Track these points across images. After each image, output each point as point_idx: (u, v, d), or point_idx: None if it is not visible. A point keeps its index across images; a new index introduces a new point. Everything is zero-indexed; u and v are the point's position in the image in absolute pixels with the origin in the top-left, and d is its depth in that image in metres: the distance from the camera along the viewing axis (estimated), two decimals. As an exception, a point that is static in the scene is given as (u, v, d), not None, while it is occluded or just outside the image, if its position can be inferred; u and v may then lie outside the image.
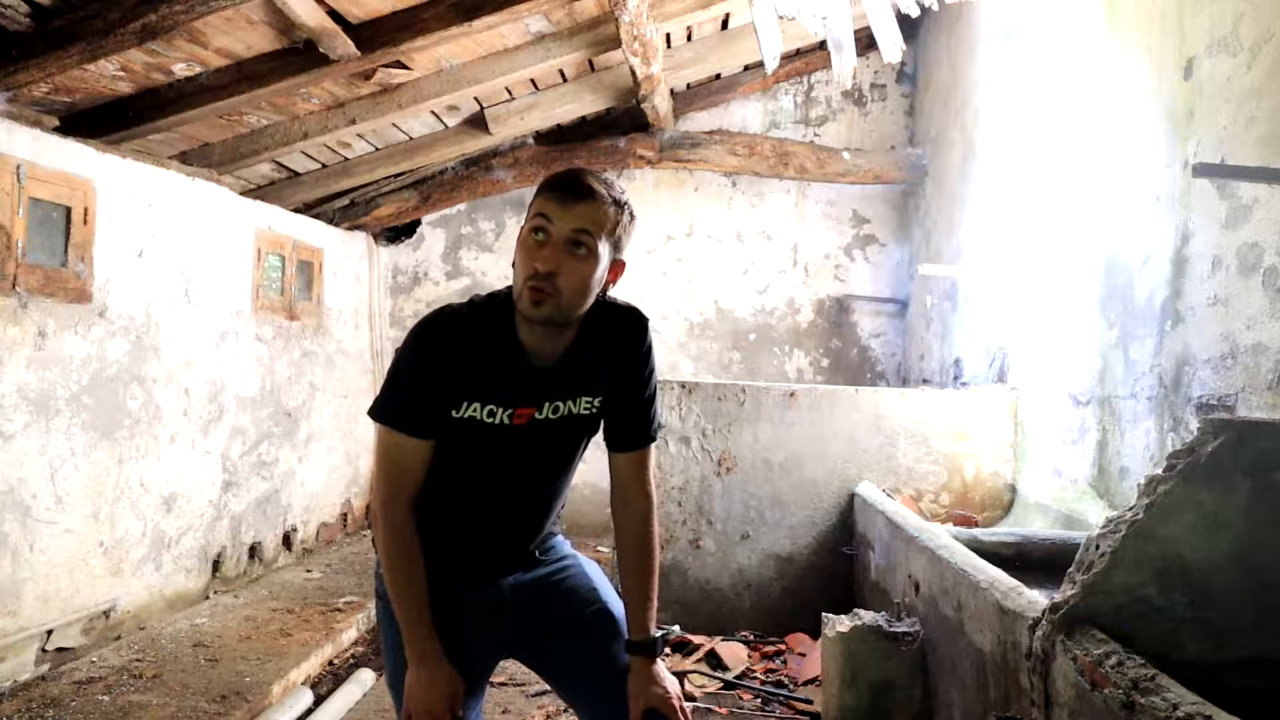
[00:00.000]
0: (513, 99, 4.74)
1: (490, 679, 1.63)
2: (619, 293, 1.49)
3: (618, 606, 1.55)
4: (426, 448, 1.40)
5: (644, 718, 1.43)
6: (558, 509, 1.60)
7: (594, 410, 1.48)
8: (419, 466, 1.41)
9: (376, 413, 1.41)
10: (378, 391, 1.44)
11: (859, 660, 2.45)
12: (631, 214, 1.39)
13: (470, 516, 1.48)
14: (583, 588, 1.56)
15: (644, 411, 1.52)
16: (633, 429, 1.52)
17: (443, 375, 1.36)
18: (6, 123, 3.00)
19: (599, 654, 1.49)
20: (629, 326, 1.48)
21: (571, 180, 1.33)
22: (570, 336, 1.41)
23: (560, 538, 1.64)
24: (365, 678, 3.20)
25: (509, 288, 1.43)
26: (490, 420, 1.39)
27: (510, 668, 3.19)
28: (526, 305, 1.32)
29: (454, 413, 1.38)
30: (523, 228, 1.36)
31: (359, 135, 4.55)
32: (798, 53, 5.40)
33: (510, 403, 1.40)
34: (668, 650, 3.38)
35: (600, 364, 1.46)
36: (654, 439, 1.55)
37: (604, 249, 1.34)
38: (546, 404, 1.42)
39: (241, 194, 4.47)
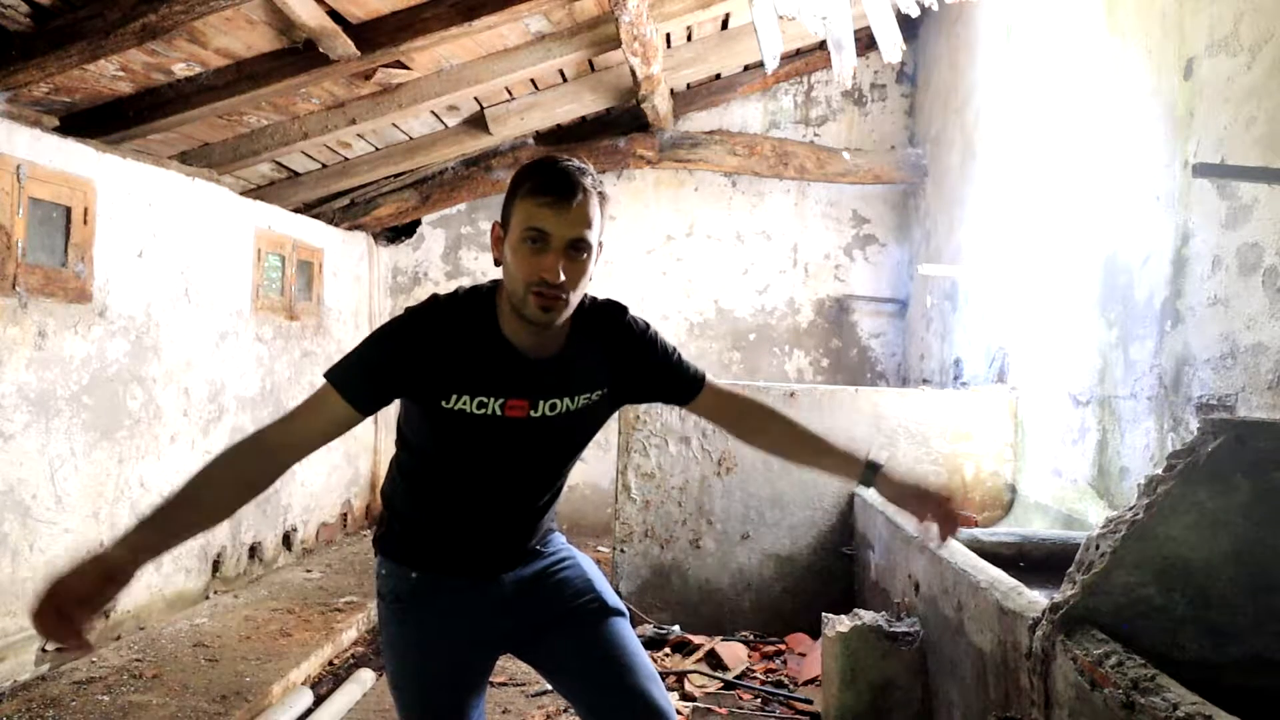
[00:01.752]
0: (513, 99, 4.74)
1: (490, 678, 1.63)
2: (616, 291, 1.50)
3: (612, 599, 1.56)
4: (342, 418, 1.35)
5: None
6: (557, 502, 1.60)
7: (592, 401, 1.48)
8: (319, 437, 1.36)
9: (330, 373, 1.37)
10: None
11: (859, 660, 2.45)
12: (606, 196, 1.38)
13: (474, 515, 1.49)
14: (578, 580, 1.56)
15: (681, 368, 1.56)
16: (685, 382, 1.57)
17: (412, 360, 1.34)
18: (6, 123, 3.00)
19: (594, 645, 1.49)
20: (615, 319, 1.51)
21: (559, 183, 1.30)
22: (562, 331, 1.41)
23: (556, 533, 1.65)
24: (365, 678, 3.19)
25: (491, 283, 1.44)
26: (481, 412, 1.38)
27: (510, 667, 3.19)
28: (535, 313, 1.32)
29: (444, 404, 1.37)
30: (510, 229, 1.34)
31: (359, 135, 4.55)
32: (798, 53, 5.40)
33: (500, 393, 1.38)
34: (668, 650, 3.39)
35: (598, 359, 1.47)
36: (705, 376, 1.59)
37: (595, 241, 1.35)
38: (543, 401, 1.42)
39: (241, 194, 4.47)
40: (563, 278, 1.30)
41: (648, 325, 1.55)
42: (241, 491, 1.34)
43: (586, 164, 1.36)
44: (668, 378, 1.56)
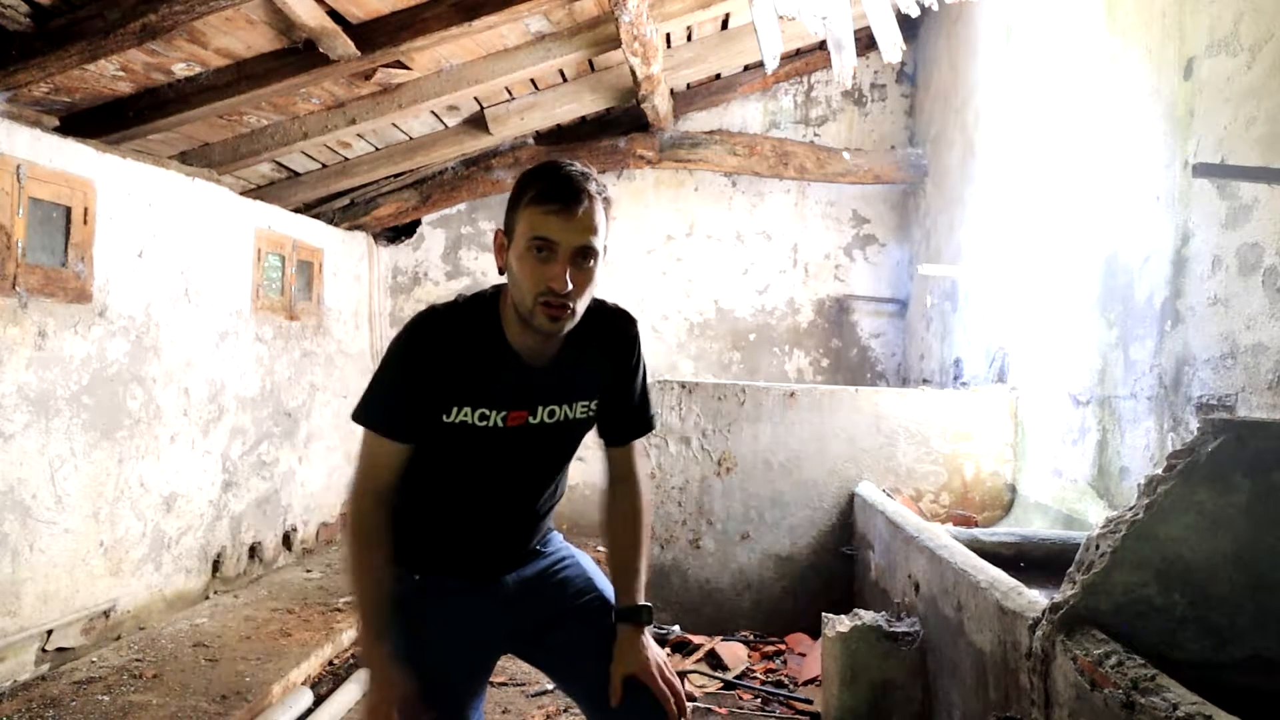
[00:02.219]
0: (513, 99, 4.74)
1: (490, 678, 1.63)
2: (616, 291, 1.50)
3: (613, 596, 1.56)
4: (406, 450, 1.41)
5: (624, 685, 1.43)
6: (557, 504, 1.60)
7: (590, 413, 1.50)
8: (397, 467, 1.42)
9: (359, 415, 1.41)
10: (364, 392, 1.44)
11: (859, 660, 2.45)
12: (610, 200, 1.38)
13: (477, 519, 1.49)
14: (579, 579, 1.57)
15: (640, 407, 1.55)
16: (629, 424, 1.56)
17: (430, 380, 1.35)
18: (6, 123, 3.00)
19: (596, 642, 1.50)
20: (619, 328, 1.50)
21: (565, 190, 1.29)
22: (561, 338, 1.40)
23: (555, 533, 1.65)
24: (365, 678, 3.19)
25: (494, 288, 1.44)
26: (483, 424, 1.39)
27: (510, 667, 3.19)
28: (544, 322, 1.31)
29: (445, 417, 1.37)
30: (514, 238, 1.33)
31: (359, 135, 4.55)
32: (798, 53, 5.40)
33: (503, 405, 1.39)
34: (668, 650, 3.39)
35: (594, 367, 1.47)
36: (651, 427, 1.58)
37: (600, 247, 1.35)
38: (541, 408, 1.42)
39: (241, 194, 4.47)
40: (570, 286, 1.29)
41: (642, 358, 1.54)
42: (389, 536, 1.42)
43: (589, 168, 1.36)
44: (621, 415, 1.54)
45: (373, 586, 1.39)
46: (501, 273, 1.38)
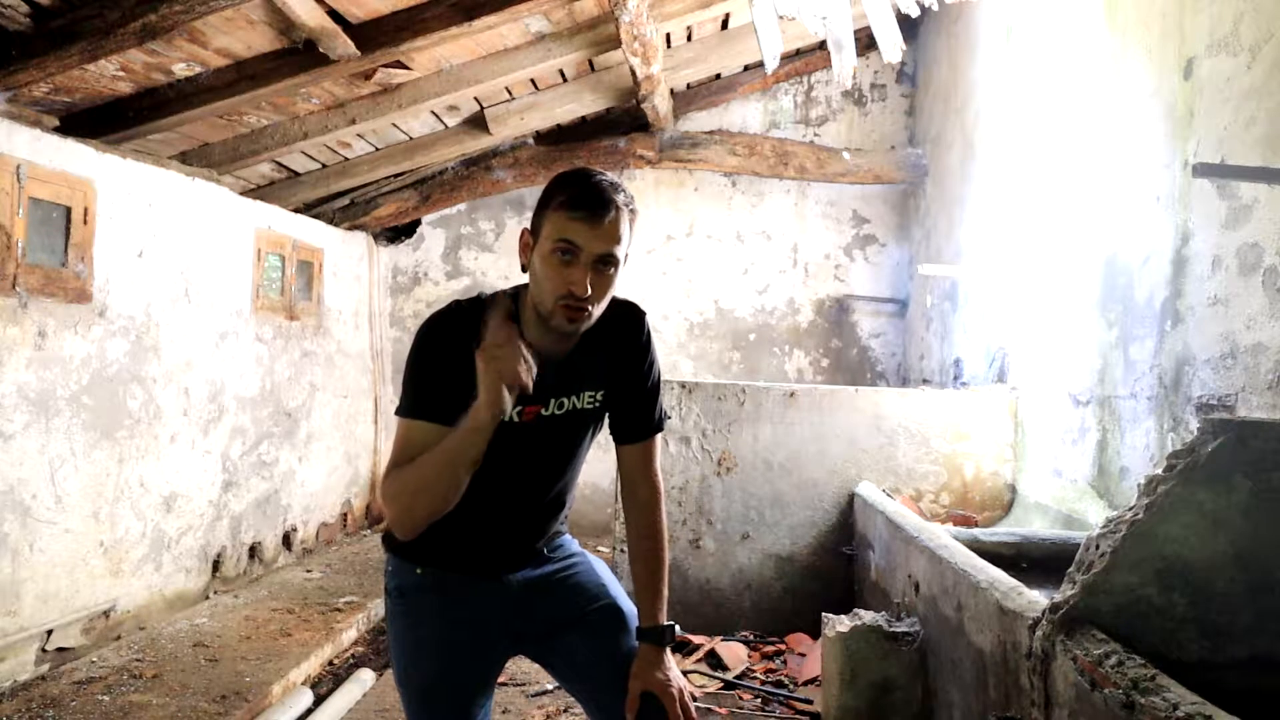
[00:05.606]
0: (513, 99, 4.74)
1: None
2: (616, 291, 1.50)
3: (625, 603, 1.56)
4: (442, 433, 1.38)
5: (641, 701, 1.44)
6: (566, 506, 1.60)
7: (597, 403, 1.51)
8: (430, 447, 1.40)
9: (400, 410, 1.41)
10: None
11: (859, 660, 2.45)
12: (636, 212, 1.41)
13: (481, 514, 1.49)
14: (590, 584, 1.57)
15: (648, 403, 1.55)
16: (638, 420, 1.56)
17: (451, 370, 1.36)
18: (6, 123, 3.00)
19: (606, 649, 1.50)
20: (628, 320, 1.52)
21: (594, 199, 1.32)
22: (575, 335, 1.43)
23: (568, 536, 1.65)
24: (365, 677, 3.20)
25: (514, 288, 1.46)
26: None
27: (511, 667, 3.19)
28: (562, 323, 1.35)
29: (465, 410, 1.38)
30: (540, 239, 1.36)
31: (359, 135, 4.55)
32: (798, 53, 5.40)
33: (518, 400, 1.40)
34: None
35: (601, 358, 1.49)
36: (660, 429, 1.58)
37: (622, 255, 1.38)
38: (552, 400, 1.45)
39: (241, 194, 4.47)
40: (590, 291, 1.33)
41: (654, 354, 1.55)
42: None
43: (620, 181, 1.39)
44: (629, 407, 1.54)
45: (429, 455, 1.32)
46: (524, 270, 1.41)
